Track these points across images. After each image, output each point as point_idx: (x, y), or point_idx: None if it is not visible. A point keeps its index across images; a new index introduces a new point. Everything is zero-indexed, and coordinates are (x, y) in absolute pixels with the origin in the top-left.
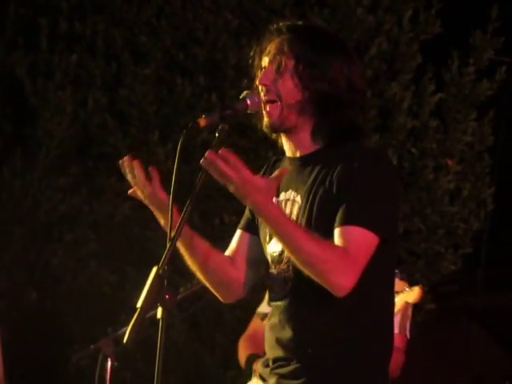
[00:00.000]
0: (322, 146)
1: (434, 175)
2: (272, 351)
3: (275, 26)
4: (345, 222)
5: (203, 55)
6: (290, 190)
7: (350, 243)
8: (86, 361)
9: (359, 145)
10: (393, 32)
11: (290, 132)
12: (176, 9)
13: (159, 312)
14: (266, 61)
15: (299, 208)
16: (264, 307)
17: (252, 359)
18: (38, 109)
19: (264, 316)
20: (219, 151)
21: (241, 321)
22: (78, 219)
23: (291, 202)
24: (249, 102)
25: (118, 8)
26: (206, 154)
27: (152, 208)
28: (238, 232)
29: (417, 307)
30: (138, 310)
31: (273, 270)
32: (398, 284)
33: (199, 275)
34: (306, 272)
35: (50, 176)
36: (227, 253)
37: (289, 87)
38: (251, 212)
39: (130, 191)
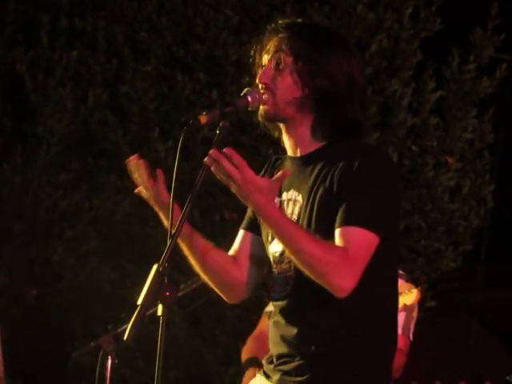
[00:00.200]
0: (322, 144)
1: (434, 172)
2: (276, 348)
3: (274, 25)
4: (345, 223)
5: (204, 52)
6: (292, 190)
7: (350, 244)
8: (87, 358)
9: (359, 142)
10: (393, 29)
11: (287, 123)
12: (176, 5)
13: (160, 309)
14: (265, 59)
15: (301, 208)
16: (272, 306)
17: (248, 364)
18: (39, 105)
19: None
20: (224, 150)
21: (241, 318)
22: (79, 216)
23: (293, 201)
24: (250, 98)
25: (119, 4)
26: (211, 151)
27: (156, 208)
28: (241, 232)
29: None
30: (139, 307)
31: (274, 270)
32: (404, 285)
33: (203, 275)
34: (307, 273)
35: (50, 172)
36: (230, 253)
37: (288, 84)
38: (254, 212)
39: (136, 190)
